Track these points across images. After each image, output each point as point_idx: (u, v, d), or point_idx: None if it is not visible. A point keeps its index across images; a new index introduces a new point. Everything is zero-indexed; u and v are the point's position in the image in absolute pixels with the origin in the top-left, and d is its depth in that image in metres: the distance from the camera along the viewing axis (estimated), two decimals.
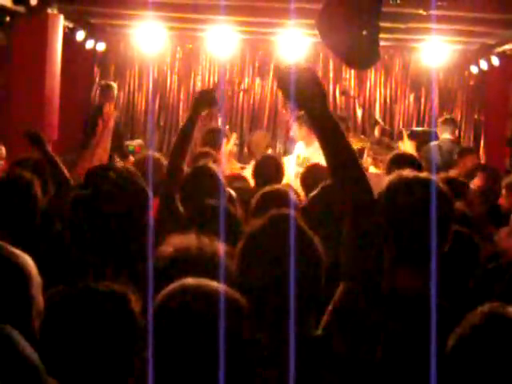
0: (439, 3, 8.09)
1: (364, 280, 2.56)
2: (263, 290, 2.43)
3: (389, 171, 4.88)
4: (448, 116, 10.92)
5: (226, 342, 1.93)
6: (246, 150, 8.92)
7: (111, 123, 8.86)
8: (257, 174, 6.14)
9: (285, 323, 2.36)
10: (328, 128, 2.50)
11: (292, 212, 2.63)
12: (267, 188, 4.45)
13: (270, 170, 6.05)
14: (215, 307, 1.96)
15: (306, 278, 2.46)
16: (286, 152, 11.41)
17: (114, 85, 10.59)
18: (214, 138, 7.51)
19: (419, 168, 4.68)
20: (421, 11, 7.98)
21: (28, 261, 2.50)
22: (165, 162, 5.85)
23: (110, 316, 2.32)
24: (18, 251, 2.51)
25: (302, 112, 2.61)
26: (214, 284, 2.07)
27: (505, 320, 2.16)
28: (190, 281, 2.08)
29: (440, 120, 10.34)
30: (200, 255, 2.67)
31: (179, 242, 2.74)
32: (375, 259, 2.59)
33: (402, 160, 4.95)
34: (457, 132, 10.81)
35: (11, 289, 2.40)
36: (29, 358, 2.03)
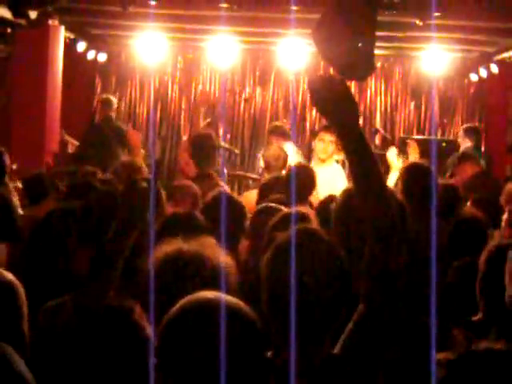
0: (436, 14, 8.12)
1: (383, 302, 2.55)
2: (287, 302, 2.45)
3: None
4: (470, 124, 10.95)
5: (238, 358, 1.95)
6: (261, 164, 8.72)
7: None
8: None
9: (302, 340, 2.37)
10: (358, 147, 2.46)
11: (317, 226, 2.65)
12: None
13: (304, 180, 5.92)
14: (229, 322, 1.97)
15: (330, 294, 2.47)
16: None
17: (114, 98, 10.64)
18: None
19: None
20: (417, 21, 7.99)
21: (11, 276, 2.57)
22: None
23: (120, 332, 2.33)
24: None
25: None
26: (226, 298, 2.08)
27: None
28: (202, 295, 2.09)
29: (462, 128, 10.41)
30: (190, 259, 2.70)
31: (169, 247, 2.77)
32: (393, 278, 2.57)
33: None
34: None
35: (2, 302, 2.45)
36: (24, 376, 2.04)
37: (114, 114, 10.24)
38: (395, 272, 2.54)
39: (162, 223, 3.72)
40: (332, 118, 2.47)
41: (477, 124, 11.74)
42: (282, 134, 9.09)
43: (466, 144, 9.92)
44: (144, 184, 3.13)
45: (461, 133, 10.35)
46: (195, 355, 1.97)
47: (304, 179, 5.85)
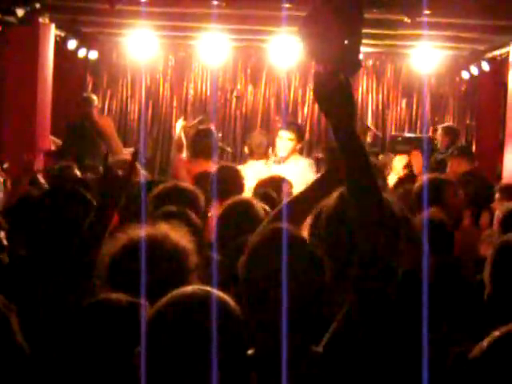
0: (426, 11, 8.12)
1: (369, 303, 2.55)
2: (265, 301, 2.46)
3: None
4: (449, 124, 11.07)
5: (222, 349, 1.96)
6: (245, 150, 8.85)
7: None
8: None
9: (282, 337, 2.38)
10: (352, 147, 2.47)
11: (289, 226, 2.67)
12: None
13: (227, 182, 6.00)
14: (211, 314, 1.99)
15: (307, 291, 2.49)
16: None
17: (94, 96, 10.63)
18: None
19: None
20: (405, 19, 8.00)
21: None
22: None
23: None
24: None
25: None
26: (209, 291, 2.09)
27: None
28: (187, 289, 2.11)
29: (442, 127, 10.54)
30: (155, 244, 2.73)
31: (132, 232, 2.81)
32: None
33: None
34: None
35: None
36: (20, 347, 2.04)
37: (94, 111, 10.20)
38: (385, 270, 2.55)
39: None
40: (330, 112, 2.47)
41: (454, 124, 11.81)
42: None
43: (443, 142, 10.00)
44: (119, 172, 3.16)
45: (440, 131, 10.41)
46: (180, 349, 1.98)
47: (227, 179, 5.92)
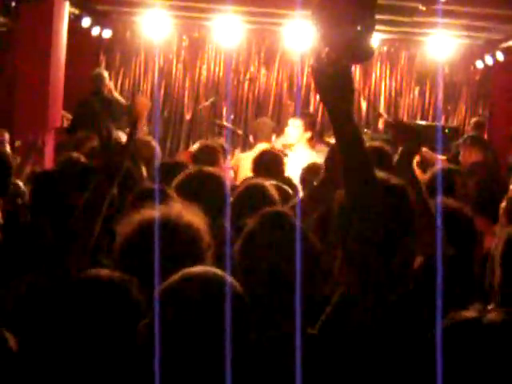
0: None
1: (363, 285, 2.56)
2: (263, 285, 2.47)
3: None
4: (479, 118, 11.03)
5: (231, 328, 1.98)
6: (251, 138, 8.88)
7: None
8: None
9: (280, 319, 2.39)
10: (348, 132, 2.47)
11: (285, 209, 2.68)
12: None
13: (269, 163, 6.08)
14: (218, 294, 2.02)
15: (304, 273, 2.49)
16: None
17: (106, 72, 10.62)
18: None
19: None
20: (420, 6, 7.96)
21: None
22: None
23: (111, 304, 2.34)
24: None
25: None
26: (216, 272, 2.11)
27: None
28: (193, 269, 2.13)
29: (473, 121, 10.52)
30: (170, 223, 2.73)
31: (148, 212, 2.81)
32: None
33: None
34: None
35: None
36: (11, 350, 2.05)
37: (105, 87, 10.20)
38: (379, 255, 2.55)
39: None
40: (327, 99, 2.47)
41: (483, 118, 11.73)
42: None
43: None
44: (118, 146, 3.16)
45: (472, 125, 10.41)
46: (185, 329, 2.01)
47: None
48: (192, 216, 2.82)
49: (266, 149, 6.92)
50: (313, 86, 12.47)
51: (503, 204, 4.88)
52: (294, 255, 2.45)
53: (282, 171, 6.21)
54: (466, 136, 9.32)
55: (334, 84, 2.40)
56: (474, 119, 10.95)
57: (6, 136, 7.94)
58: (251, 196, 4.28)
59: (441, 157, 8.57)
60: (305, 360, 2.37)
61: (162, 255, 2.48)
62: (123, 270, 2.45)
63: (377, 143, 4.88)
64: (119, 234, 2.82)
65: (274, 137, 8.56)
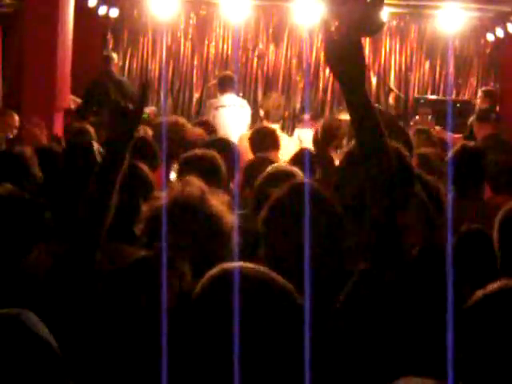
0: None
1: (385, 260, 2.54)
2: (287, 257, 2.45)
3: None
4: (490, 88, 10.89)
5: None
6: (260, 113, 8.81)
7: None
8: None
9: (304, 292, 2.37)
10: (361, 104, 2.45)
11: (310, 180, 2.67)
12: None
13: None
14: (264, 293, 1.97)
15: (327, 246, 2.47)
16: (298, 119, 11.36)
17: (115, 54, 10.64)
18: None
19: None
20: None
21: None
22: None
23: None
24: None
25: None
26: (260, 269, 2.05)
27: None
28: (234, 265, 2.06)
29: (482, 90, 10.37)
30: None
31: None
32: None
33: None
34: None
35: None
36: (46, 342, 2.01)
37: (115, 69, 10.22)
38: (400, 229, 2.52)
39: None
40: (339, 74, 2.44)
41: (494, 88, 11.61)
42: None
43: (482, 105, 9.83)
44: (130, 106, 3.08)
45: (480, 94, 10.27)
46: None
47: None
48: (215, 198, 2.79)
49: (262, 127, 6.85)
50: (322, 61, 12.43)
51: None
52: (321, 227, 2.42)
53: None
54: (476, 110, 9.26)
55: (345, 54, 2.37)
56: (483, 89, 10.80)
57: (16, 118, 7.93)
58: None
59: (456, 135, 8.53)
60: (327, 332, 2.36)
61: (186, 237, 2.45)
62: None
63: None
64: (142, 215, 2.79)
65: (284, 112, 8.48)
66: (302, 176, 4.12)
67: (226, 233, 2.73)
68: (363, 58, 2.45)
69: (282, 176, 3.93)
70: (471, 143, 5.42)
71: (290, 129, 11.17)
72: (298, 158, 5.41)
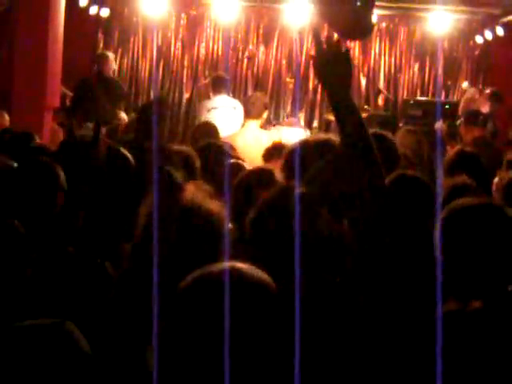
0: None
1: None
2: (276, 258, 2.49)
3: None
4: (496, 90, 10.86)
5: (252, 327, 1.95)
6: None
7: None
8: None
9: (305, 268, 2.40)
10: (347, 112, 2.49)
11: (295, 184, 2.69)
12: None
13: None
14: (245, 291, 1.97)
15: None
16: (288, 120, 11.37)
17: (111, 53, 10.65)
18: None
19: None
20: None
21: None
22: None
23: None
24: None
25: None
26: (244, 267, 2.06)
27: None
28: (219, 265, 2.06)
29: (489, 91, 10.38)
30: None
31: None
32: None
33: None
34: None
35: None
36: (87, 353, 2.03)
37: (108, 69, 10.24)
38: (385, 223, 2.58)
39: None
40: (326, 83, 2.49)
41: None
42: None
43: (483, 107, 9.88)
44: None
45: (487, 94, 10.29)
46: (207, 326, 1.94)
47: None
48: (212, 203, 2.79)
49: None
50: (312, 63, 12.45)
51: (496, 179, 4.84)
52: (310, 229, 2.45)
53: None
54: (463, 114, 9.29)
55: (333, 71, 2.41)
56: (487, 91, 10.76)
57: (6, 117, 7.92)
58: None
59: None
60: (327, 305, 2.40)
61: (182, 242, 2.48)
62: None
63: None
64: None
65: (265, 113, 8.42)
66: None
67: (222, 237, 2.74)
68: (350, 74, 2.49)
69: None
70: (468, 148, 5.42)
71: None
72: (271, 153, 5.45)
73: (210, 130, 6.63)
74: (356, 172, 2.51)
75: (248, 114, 8.01)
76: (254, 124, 7.69)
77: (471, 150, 5.12)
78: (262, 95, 8.62)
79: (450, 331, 2.18)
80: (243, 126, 8.03)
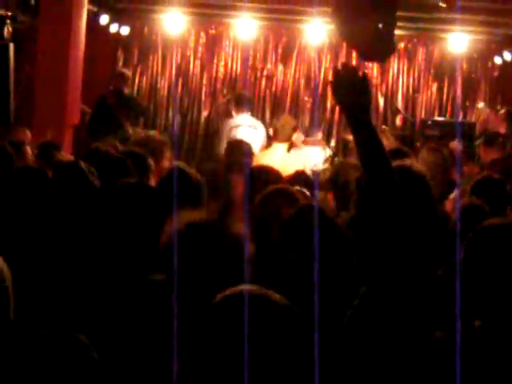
0: None
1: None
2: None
3: None
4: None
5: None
6: (270, 132, 8.80)
7: None
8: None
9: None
10: (367, 138, 2.48)
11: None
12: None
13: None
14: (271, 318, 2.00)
15: (336, 263, 2.53)
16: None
17: (128, 72, 10.76)
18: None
19: None
20: (440, 3, 7.94)
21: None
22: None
23: None
24: None
25: None
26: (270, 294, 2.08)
27: None
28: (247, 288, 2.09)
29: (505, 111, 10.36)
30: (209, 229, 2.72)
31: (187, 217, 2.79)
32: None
33: None
34: None
35: None
36: (98, 363, 2.06)
37: (126, 87, 10.33)
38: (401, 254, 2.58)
39: None
40: (347, 109, 2.49)
41: None
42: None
43: (499, 127, 9.86)
44: None
45: (502, 114, 10.27)
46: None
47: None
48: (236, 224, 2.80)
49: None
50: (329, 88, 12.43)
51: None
52: (329, 250, 2.47)
53: None
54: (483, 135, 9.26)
55: (351, 98, 2.42)
56: (503, 110, 10.75)
57: (28, 134, 7.98)
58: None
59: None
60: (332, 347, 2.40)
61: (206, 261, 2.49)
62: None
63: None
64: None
65: (295, 135, 8.41)
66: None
67: (244, 259, 2.74)
68: (369, 99, 2.49)
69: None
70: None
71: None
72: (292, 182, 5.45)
73: (244, 147, 6.67)
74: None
75: (276, 137, 7.96)
76: (282, 148, 7.69)
77: (498, 177, 5.14)
78: (292, 119, 8.60)
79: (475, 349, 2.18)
80: (270, 147, 8.03)
